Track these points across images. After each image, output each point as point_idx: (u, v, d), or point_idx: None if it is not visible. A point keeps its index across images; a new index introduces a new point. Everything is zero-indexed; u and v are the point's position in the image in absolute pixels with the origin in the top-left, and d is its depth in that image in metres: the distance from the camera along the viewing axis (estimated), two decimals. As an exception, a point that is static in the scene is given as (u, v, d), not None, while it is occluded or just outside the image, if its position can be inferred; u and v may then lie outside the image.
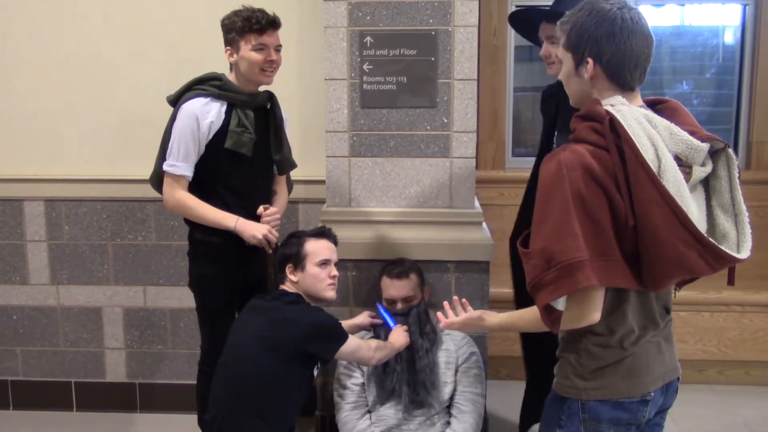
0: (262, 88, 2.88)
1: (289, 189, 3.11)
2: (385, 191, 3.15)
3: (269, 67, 2.77)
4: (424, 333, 2.91)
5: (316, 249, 2.68)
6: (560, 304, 1.74)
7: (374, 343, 2.76)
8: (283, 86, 2.98)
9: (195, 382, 3.06)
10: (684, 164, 1.68)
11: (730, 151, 1.72)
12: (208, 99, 2.76)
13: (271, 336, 2.54)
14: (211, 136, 2.75)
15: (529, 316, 1.94)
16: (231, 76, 2.83)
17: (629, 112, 1.67)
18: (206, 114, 2.74)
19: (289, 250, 2.70)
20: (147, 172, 2.92)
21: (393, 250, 3.08)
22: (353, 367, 2.99)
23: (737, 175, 1.72)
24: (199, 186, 2.80)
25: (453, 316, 2.27)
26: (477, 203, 3.21)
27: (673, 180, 1.61)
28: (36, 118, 3.59)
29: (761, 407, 3.77)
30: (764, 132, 4.27)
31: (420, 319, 2.91)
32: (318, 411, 3.29)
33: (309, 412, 3.22)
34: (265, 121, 2.89)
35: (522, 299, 2.88)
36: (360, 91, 3.08)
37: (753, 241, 1.70)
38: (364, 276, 3.14)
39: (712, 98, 4.61)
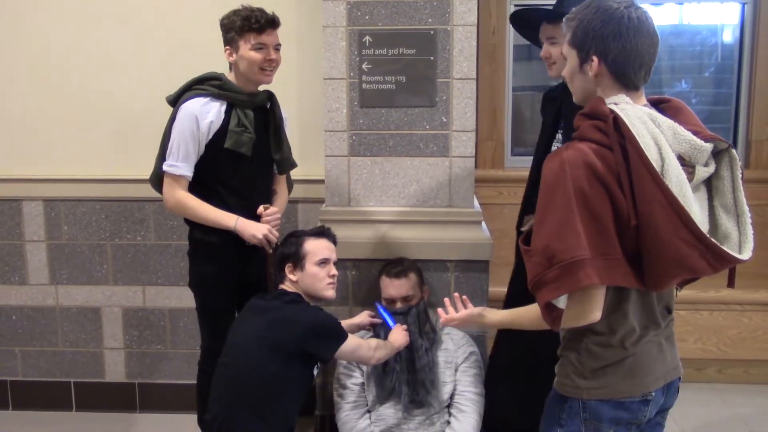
0: (261, 88, 2.87)
1: (289, 188, 3.11)
2: (384, 191, 3.15)
3: (269, 66, 2.77)
4: (424, 332, 2.91)
5: (316, 248, 2.68)
6: (561, 302, 1.74)
7: (374, 342, 2.76)
8: (282, 86, 2.98)
9: (194, 381, 3.06)
10: (687, 164, 1.68)
11: (734, 151, 1.72)
12: (208, 99, 2.76)
13: (271, 335, 2.54)
14: (210, 136, 2.75)
15: (530, 313, 1.94)
16: (230, 76, 2.83)
17: (633, 111, 1.67)
18: (206, 114, 2.74)
19: (288, 250, 2.70)
20: (146, 172, 2.91)
21: (392, 250, 3.08)
22: (353, 366, 2.99)
23: (740, 175, 1.73)
24: (199, 186, 2.79)
25: (453, 313, 2.27)
26: (476, 202, 3.21)
27: (676, 180, 1.61)
28: (34, 118, 3.58)
29: (760, 406, 3.78)
30: (763, 131, 4.28)
31: (419, 319, 2.91)
32: (318, 410, 3.29)
33: (309, 411, 3.22)
34: (265, 120, 2.89)
35: (513, 297, 2.88)
36: (359, 91, 3.08)
37: (754, 242, 1.70)
38: (364, 275, 3.14)
39: (710, 97, 4.62)
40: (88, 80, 3.53)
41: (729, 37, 4.43)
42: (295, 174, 3.13)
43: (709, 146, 1.69)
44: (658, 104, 1.80)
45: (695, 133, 1.69)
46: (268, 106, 2.91)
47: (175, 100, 2.82)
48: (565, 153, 1.68)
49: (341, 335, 2.62)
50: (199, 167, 2.78)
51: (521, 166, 4.33)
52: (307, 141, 3.43)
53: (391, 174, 3.13)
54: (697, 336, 3.95)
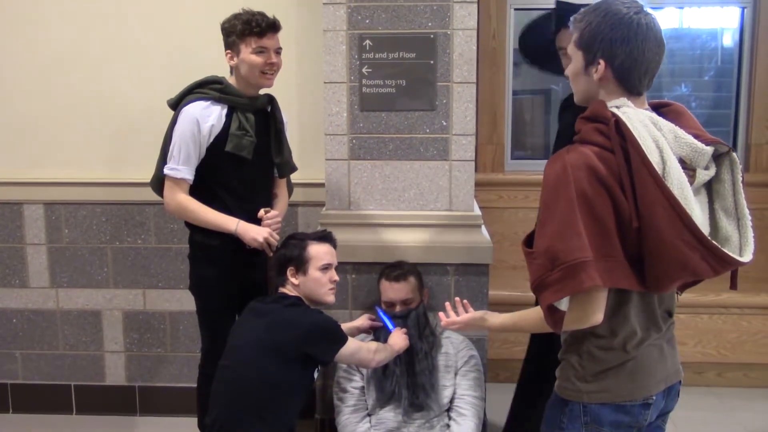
0: (262, 91, 2.88)
1: (290, 192, 3.12)
2: (384, 194, 3.15)
3: (270, 69, 2.78)
4: (423, 336, 2.91)
5: (319, 253, 2.68)
6: (563, 304, 1.74)
7: (373, 345, 2.77)
8: (282, 89, 2.98)
9: (194, 385, 3.06)
10: (688, 167, 1.68)
11: (734, 155, 1.73)
12: (209, 102, 2.77)
13: (271, 338, 2.54)
14: (211, 140, 2.75)
15: (532, 316, 1.94)
16: (231, 80, 2.83)
17: (635, 115, 1.68)
18: (207, 117, 2.74)
19: (291, 253, 2.69)
20: (147, 175, 2.92)
21: (392, 253, 3.08)
22: (353, 370, 2.99)
23: (740, 179, 1.73)
24: (199, 189, 2.80)
25: (455, 316, 2.27)
26: (476, 206, 3.22)
27: (678, 183, 1.61)
28: (35, 122, 3.59)
29: (760, 409, 3.78)
30: (762, 134, 4.28)
31: (419, 322, 2.91)
32: (318, 414, 3.29)
33: (309, 415, 3.22)
34: (266, 124, 2.90)
35: None
36: (359, 94, 3.09)
37: (755, 245, 1.71)
38: (364, 279, 3.14)
39: (710, 100, 4.62)
40: (89, 84, 3.53)
41: (729, 40, 4.44)
42: (295, 177, 3.14)
43: (709, 149, 1.69)
44: (659, 108, 1.81)
45: (696, 136, 1.70)
46: (269, 109, 2.92)
47: (176, 104, 2.82)
48: (567, 156, 1.69)
49: (341, 338, 2.62)
50: (200, 170, 2.79)
51: (521, 169, 4.35)
52: (307, 144, 3.44)
53: (391, 178, 3.14)
54: (697, 339, 3.95)
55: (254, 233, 2.76)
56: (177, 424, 3.60)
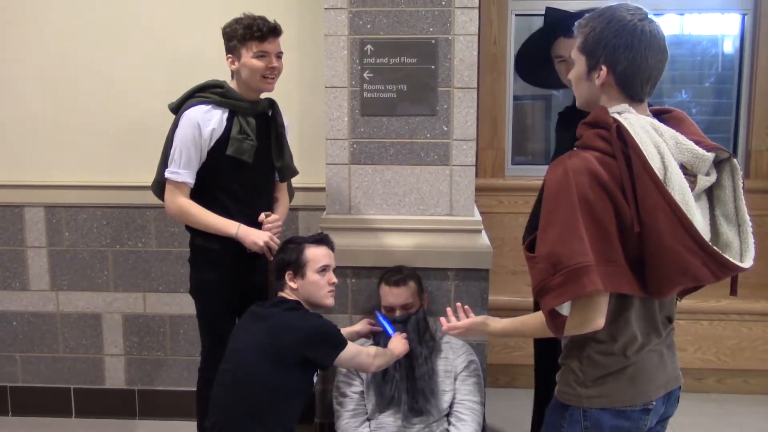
0: (263, 96, 2.89)
1: (291, 196, 3.12)
2: (384, 199, 3.15)
3: (271, 74, 2.78)
4: (423, 340, 2.91)
5: (316, 256, 2.69)
6: (565, 309, 1.74)
7: (373, 349, 2.77)
8: (283, 94, 2.99)
9: (194, 388, 3.06)
10: (689, 173, 1.69)
11: (735, 161, 1.74)
12: (210, 106, 2.77)
13: (271, 342, 2.54)
14: (212, 144, 2.76)
15: (534, 321, 1.94)
16: (232, 84, 2.84)
17: (636, 120, 1.68)
18: (208, 121, 2.75)
19: (288, 257, 2.70)
20: (147, 178, 2.92)
21: (393, 258, 3.08)
22: (352, 374, 2.99)
23: (741, 185, 1.74)
24: (200, 193, 2.80)
25: (456, 321, 2.27)
26: (477, 211, 3.22)
27: (679, 188, 1.62)
28: (36, 125, 3.59)
29: (760, 416, 3.78)
30: (763, 141, 4.28)
31: (419, 327, 2.91)
32: (317, 418, 3.29)
33: (308, 419, 3.22)
34: (267, 128, 2.90)
35: None
36: (360, 99, 3.09)
37: (755, 251, 1.71)
38: (364, 283, 3.14)
39: (711, 107, 4.63)
40: (91, 87, 3.54)
41: (729, 47, 4.44)
42: (295, 182, 3.14)
43: (710, 155, 1.70)
44: (660, 114, 1.81)
45: (697, 142, 1.71)
46: (270, 113, 2.92)
47: (178, 108, 2.83)
48: (568, 161, 1.69)
49: (341, 342, 2.62)
50: (200, 174, 2.79)
51: (522, 175, 4.35)
52: (308, 149, 3.44)
53: (392, 182, 3.14)
54: (697, 346, 3.95)
55: (255, 237, 2.77)
56: (176, 428, 3.60)
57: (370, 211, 3.17)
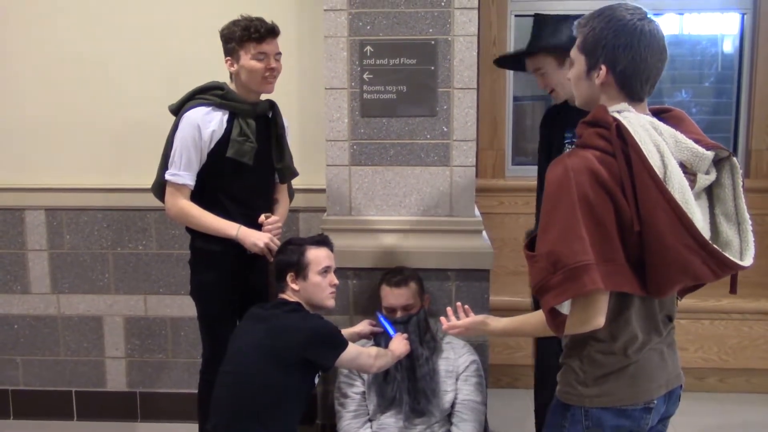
0: (263, 97, 2.89)
1: (291, 197, 3.12)
2: (385, 200, 3.15)
3: (270, 75, 2.78)
4: (424, 341, 2.91)
5: (318, 257, 2.69)
6: (565, 308, 1.74)
7: (374, 350, 2.77)
8: (283, 95, 2.99)
9: (196, 391, 3.06)
10: (689, 172, 1.69)
11: (734, 159, 1.74)
12: (210, 108, 2.78)
13: (272, 344, 2.54)
14: (212, 145, 2.76)
15: (534, 320, 1.95)
16: (232, 86, 2.84)
17: (636, 119, 1.68)
18: (208, 123, 2.75)
19: (290, 258, 2.70)
20: (148, 181, 2.93)
21: (393, 259, 3.08)
22: (354, 375, 2.99)
23: (741, 183, 1.74)
24: (200, 195, 2.81)
25: (456, 321, 2.28)
26: (477, 212, 3.22)
27: (679, 187, 1.62)
28: (37, 128, 3.59)
29: (762, 414, 3.77)
30: (763, 140, 4.28)
31: (420, 327, 2.91)
32: (319, 420, 3.29)
33: (310, 420, 3.22)
34: (267, 129, 2.90)
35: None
36: (360, 100, 3.09)
37: (755, 250, 1.71)
38: (365, 284, 3.14)
39: (710, 107, 4.63)
40: (91, 90, 3.54)
41: (729, 46, 4.44)
42: (296, 183, 3.14)
43: (710, 154, 1.70)
44: (660, 114, 1.81)
45: (696, 141, 1.71)
46: (270, 115, 2.93)
47: (178, 109, 2.83)
48: (568, 160, 1.69)
49: (341, 343, 2.62)
50: (201, 176, 2.80)
51: (522, 175, 4.34)
52: (308, 150, 3.44)
53: (392, 183, 3.14)
54: (698, 345, 3.95)
55: (255, 238, 2.77)
56: (178, 430, 3.60)
57: (371, 212, 3.17)
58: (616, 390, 1.80)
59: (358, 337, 2.95)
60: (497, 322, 2.17)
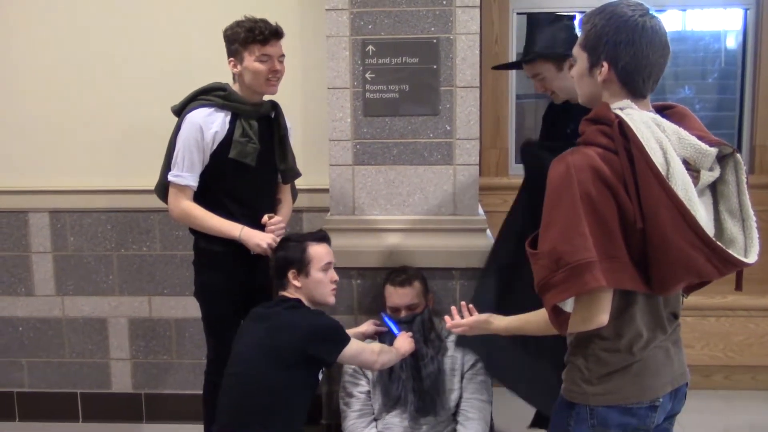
0: (266, 98, 2.88)
1: (294, 197, 3.12)
2: (388, 199, 3.15)
3: (273, 77, 2.78)
4: (429, 340, 2.91)
5: (319, 254, 2.68)
6: (568, 305, 1.74)
7: (377, 346, 2.76)
8: (286, 95, 2.99)
9: (201, 392, 3.06)
10: (692, 168, 1.68)
11: (738, 156, 1.73)
12: (212, 109, 2.77)
13: (273, 342, 2.54)
14: (215, 146, 2.76)
15: (537, 318, 1.94)
16: (235, 87, 2.83)
17: (638, 116, 1.68)
18: (210, 124, 2.75)
19: (291, 255, 2.68)
20: (151, 182, 2.93)
21: (397, 258, 3.08)
22: (359, 375, 2.99)
23: (745, 180, 1.73)
24: (203, 196, 2.80)
25: (459, 319, 2.28)
26: (481, 210, 3.21)
27: (682, 183, 1.61)
28: (40, 130, 3.60)
29: (768, 412, 3.77)
30: (767, 136, 4.27)
31: (424, 327, 2.91)
32: (324, 419, 3.28)
33: (315, 421, 3.22)
34: (270, 130, 2.90)
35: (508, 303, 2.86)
36: (363, 100, 3.09)
37: (760, 246, 1.70)
38: (369, 284, 3.14)
39: (714, 103, 4.62)
40: (94, 91, 3.55)
41: (732, 42, 4.43)
42: (299, 183, 3.14)
43: (713, 150, 1.69)
44: (663, 110, 1.81)
45: (700, 138, 1.70)
46: (273, 115, 2.92)
47: (180, 110, 2.83)
48: (570, 157, 1.69)
49: (343, 338, 2.62)
50: (203, 177, 2.79)
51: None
52: (311, 150, 3.44)
53: (396, 182, 3.14)
54: (704, 342, 3.94)
55: (258, 239, 2.77)
56: (183, 431, 3.60)
57: (374, 211, 3.16)
58: (621, 388, 1.79)
59: (362, 337, 2.95)
60: (500, 321, 2.17)
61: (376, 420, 2.94)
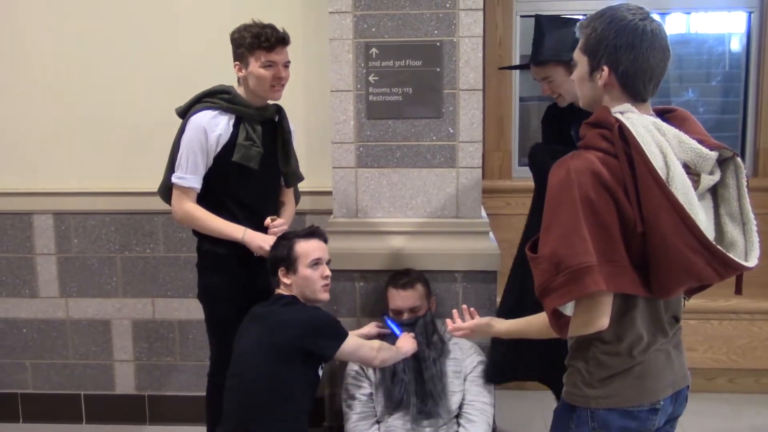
0: (270, 102, 2.89)
1: (297, 200, 3.12)
2: (391, 202, 3.15)
3: (278, 83, 2.78)
4: (431, 343, 2.91)
5: (307, 250, 2.67)
6: (568, 309, 1.74)
7: (377, 343, 2.76)
8: (289, 98, 2.99)
9: (204, 393, 3.06)
10: (692, 172, 1.68)
11: (739, 159, 1.73)
12: (217, 112, 2.78)
13: (270, 340, 2.55)
14: (219, 149, 2.76)
15: (538, 322, 1.94)
16: (239, 90, 2.83)
17: (638, 120, 1.68)
18: (214, 127, 2.75)
19: (280, 253, 2.68)
20: (155, 184, 2.93)
21: (400, 261, 3.08)
22: (361, 377, 2.99)
23: (745, 183, 1.73)
24: (207, 198, 2.81)
25: (461, 322, 2.28)
26: (484, 213, 3.22)
27: (682, 187, 1.61)
28: (45, 132, 3.61)
29: (772, 415, 3.76)
30: (771, 139, 4.27)
31: (427, 329, 2.91)
32: (326, 422, 3.29)
33: (317, 423, 3.22)
34: (273, 134, 2.90)
35: (512, 307, 2.87)
36: (366, 102, 3.10)
37: (761, 250, 1.70)
38: (372, 286, 3.14)
39: (718, 106, 4.61)
40: (98, 94, 3.56)
41: (736, 45, 4.43)
42: (302, 186, 3.14)
43: (714, 154, 1.69)
44: (664, 114, 1.81)
45: (700, 141, 1.70)
46: (277, 119, 2.92)
47: (185, 112, 2.83)
48: (571, 161, 1.69)
49: (341, 333, 2.62)
50: (207, 180, 2.80)
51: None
52: (314, 153, 3.44)
53: (399, 185, 3.14)
54: (707, 345, 3.93)
55: (261, 241, 2.77)
56: (186, 433, 3.61)
57: (377, 214, 3.17)
58: (621, 391, 1.79)
59: (365, 339, 2.95)
60: (501, 324, 2.17)
61: (378, 422, 2.95)
